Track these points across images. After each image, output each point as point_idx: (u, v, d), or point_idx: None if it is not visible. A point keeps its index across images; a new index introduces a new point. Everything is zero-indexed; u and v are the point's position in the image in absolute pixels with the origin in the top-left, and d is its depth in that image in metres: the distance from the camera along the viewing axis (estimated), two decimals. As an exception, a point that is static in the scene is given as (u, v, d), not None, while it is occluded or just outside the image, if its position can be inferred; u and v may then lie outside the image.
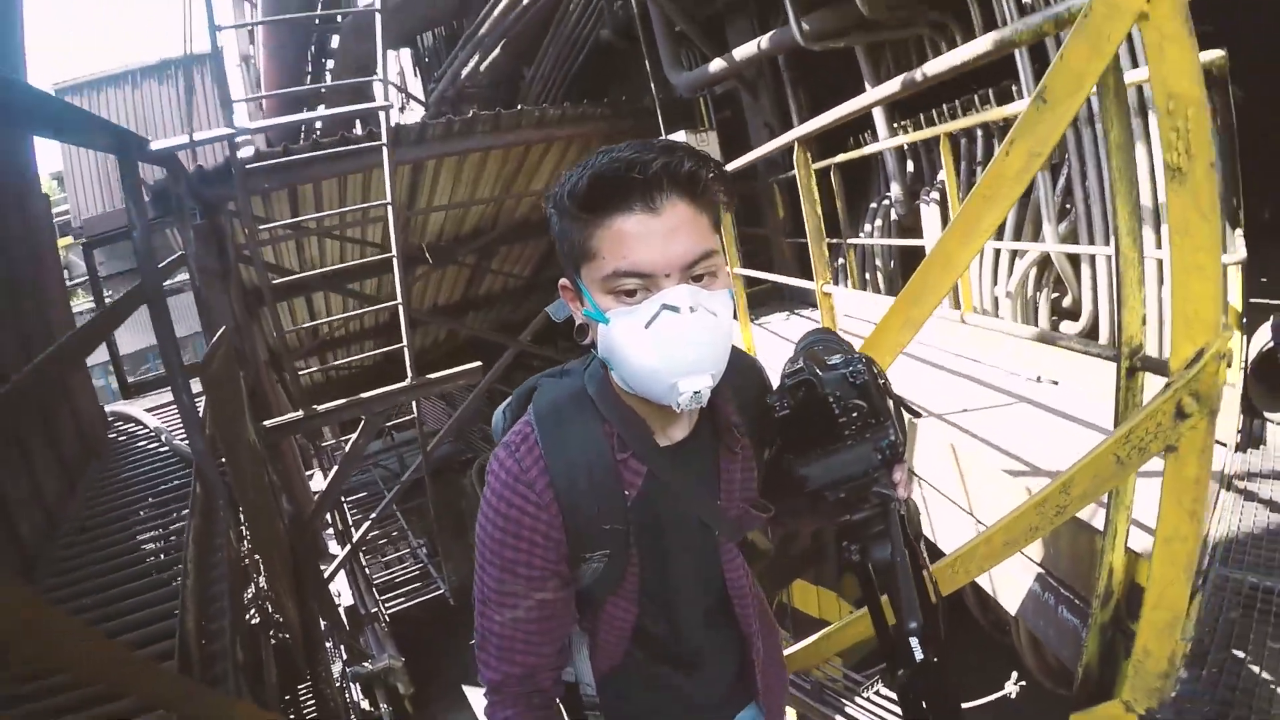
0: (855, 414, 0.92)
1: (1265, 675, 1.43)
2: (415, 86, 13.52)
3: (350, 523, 9.04)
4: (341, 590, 6.29)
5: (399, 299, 4.96)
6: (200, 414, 2.95)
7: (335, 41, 11.67)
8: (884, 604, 0.97)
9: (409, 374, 4.91)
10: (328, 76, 12.13)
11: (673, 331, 0.87)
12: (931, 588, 0.96)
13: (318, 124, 11.33)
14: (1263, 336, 2.33)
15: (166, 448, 3.30)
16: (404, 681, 5.36)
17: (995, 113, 3.43)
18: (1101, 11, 1.13)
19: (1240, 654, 1.50)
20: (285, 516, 4.16)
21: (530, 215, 7.49)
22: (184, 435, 2.96)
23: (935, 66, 2.09)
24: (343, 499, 9.18)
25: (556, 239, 0.96)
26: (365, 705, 5.21)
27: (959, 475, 2.31)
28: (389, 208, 4.78)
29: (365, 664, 5.20)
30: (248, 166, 4.48)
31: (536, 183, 6.92)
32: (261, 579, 3.26)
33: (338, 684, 4.70)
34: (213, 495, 2.86)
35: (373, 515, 7.30)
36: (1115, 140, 1.28)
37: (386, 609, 8.01)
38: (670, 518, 1.06)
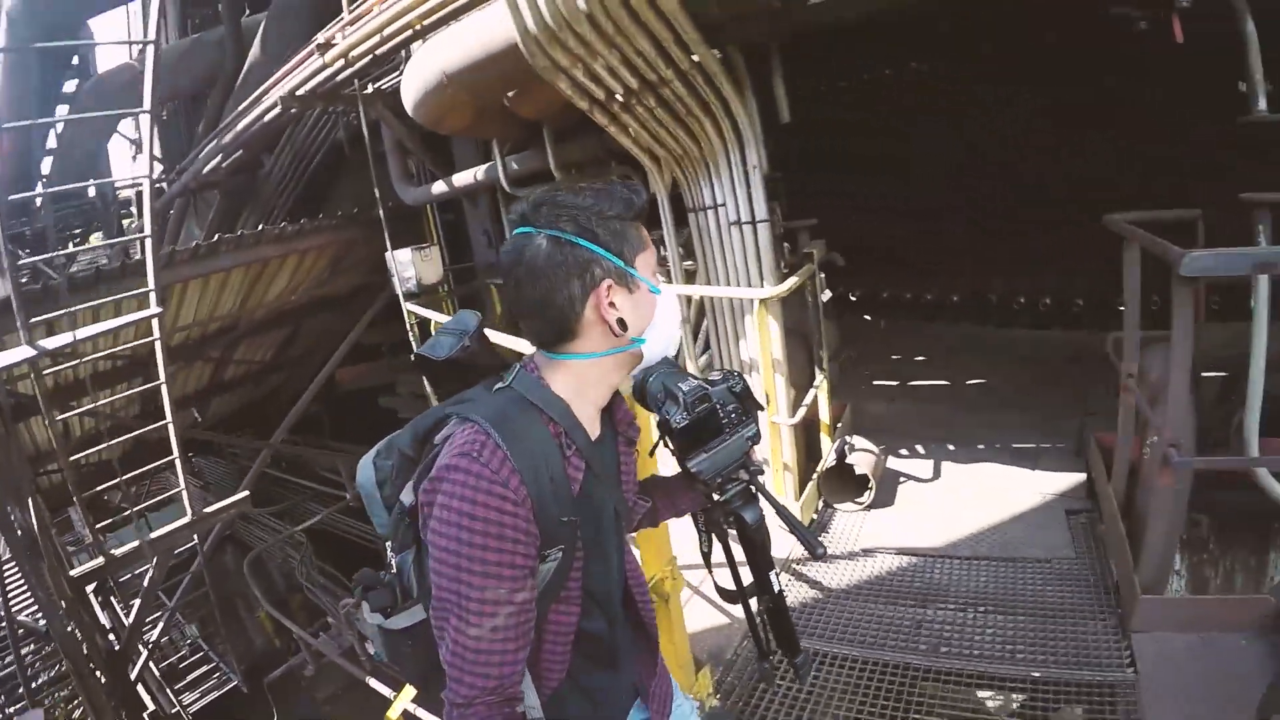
0: (733, 413, 1.24)
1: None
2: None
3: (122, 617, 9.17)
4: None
5: (168, 419, 5.52)
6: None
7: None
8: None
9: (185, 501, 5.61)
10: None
11: (670, 293, 1.23)
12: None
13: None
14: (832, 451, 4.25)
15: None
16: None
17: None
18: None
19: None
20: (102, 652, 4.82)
21: (269, 315, 8.23)
22: None
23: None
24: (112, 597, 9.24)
25: (605, 248, 1.12)
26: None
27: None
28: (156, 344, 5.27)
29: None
30: None
31: (275, 288, 7.76)
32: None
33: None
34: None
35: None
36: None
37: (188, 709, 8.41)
38: (601, 509, 1.21)
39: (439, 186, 6.77)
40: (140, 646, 6.58)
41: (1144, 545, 2.87)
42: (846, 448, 4.19)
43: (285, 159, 8.30)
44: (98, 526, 5.14)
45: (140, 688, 6.74)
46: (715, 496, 1.29)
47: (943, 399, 5.32)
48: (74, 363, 5.04)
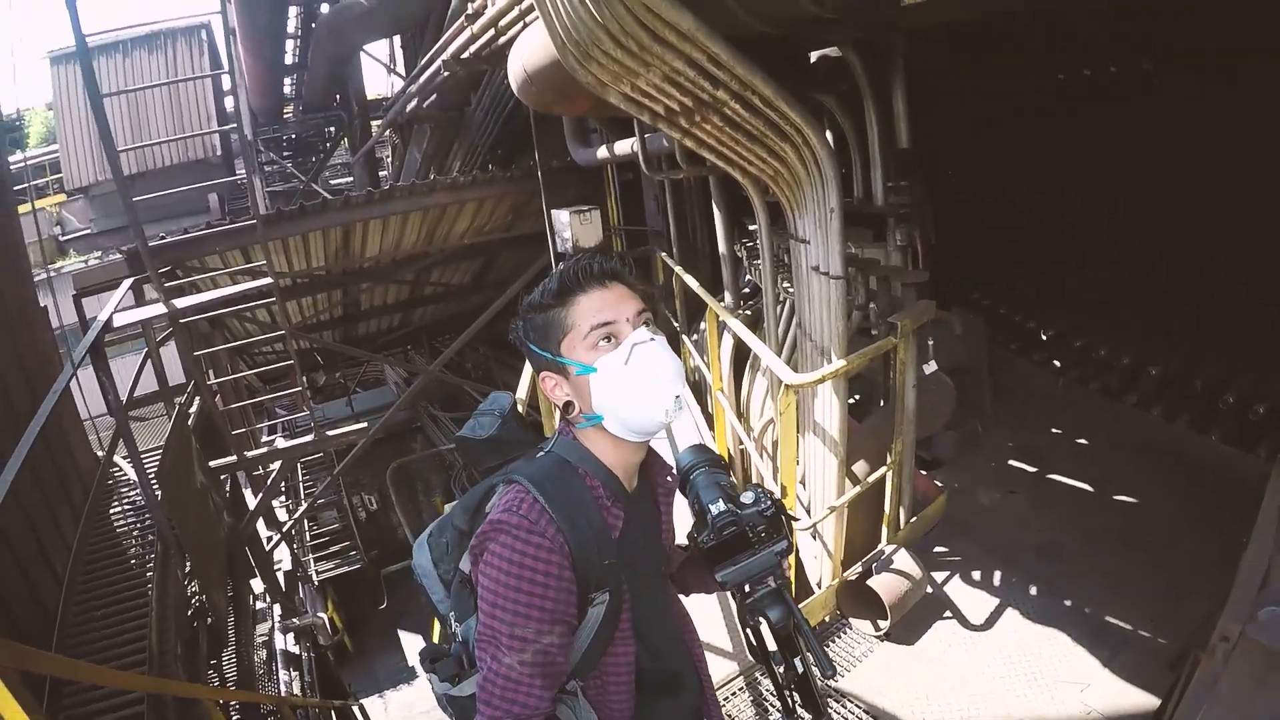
0: (762, 531, 1.28)
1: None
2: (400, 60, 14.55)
3: (300, 482, 10.81)
4: (283, 556, 7.93)
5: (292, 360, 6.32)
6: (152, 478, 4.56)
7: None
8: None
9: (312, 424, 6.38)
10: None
11: (647, 358, 1.19)
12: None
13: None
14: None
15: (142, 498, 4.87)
16: (324, 633, 7.02)
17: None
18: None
19: None
20: (224, 527, 5.73)
21: (459, 248, 8.76)
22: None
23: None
24: (299, 468, 10.86)
25: (534, 344, 1.26)
26: (295, 651, 6.83)
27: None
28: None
29: (294, 620, 6.85)
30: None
31: (458, 228, 8.18)
32: (196, 586, 4.88)
33: (266, 639, 6.38)
34: (168, 543, 4.44)
35: (315, 496, 8.93)
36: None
37: (321, 572, 9.78)
38: (642, 553, 1.31)
39: (602, 152, 6.59)
40: (267, 528, 7.64)
41: None
42: (877, 564, 3.51)
43: (485, 101, 8.53)
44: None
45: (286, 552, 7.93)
46: (742, 599, 1.32)
47: (1074, 509, 4.21)
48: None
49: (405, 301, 10.53)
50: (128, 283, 5.90)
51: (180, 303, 5.37)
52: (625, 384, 1.19)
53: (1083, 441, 4.81)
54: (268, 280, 5.72)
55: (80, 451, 5.27)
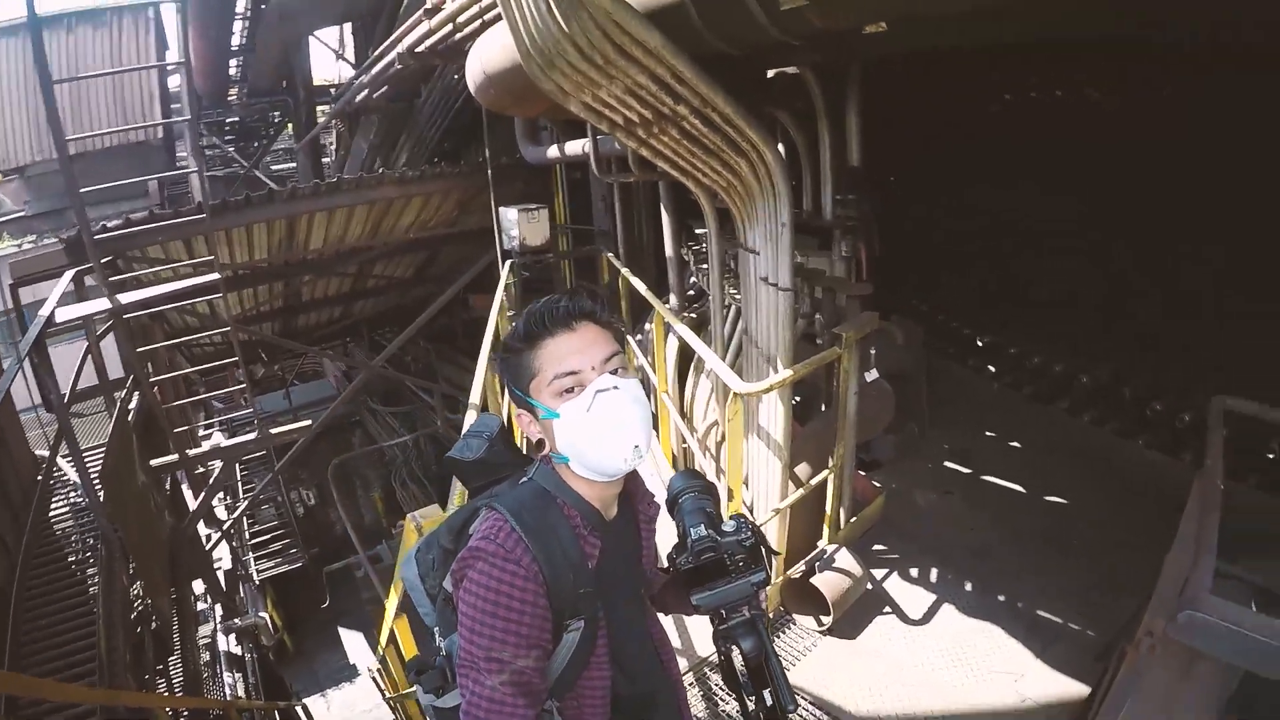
0: (740, 560, 1.30)
1: None
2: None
3: (239, 478, 10.56)
4: (223, 555, 7.76)
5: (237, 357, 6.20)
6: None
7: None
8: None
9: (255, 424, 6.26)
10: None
11: (608, 406, 1.21)
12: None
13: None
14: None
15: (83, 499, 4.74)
16: (266, 634, 6.92)
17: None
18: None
19: None
20: (166, 528, 5.60)
21: (404, 241, 8.66)
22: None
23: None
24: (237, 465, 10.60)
25: (508, 383, 1.30)
26: (238, 652, 6.72)
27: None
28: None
29: (236, 620, 6.73)
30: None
31: (403, 221, 8.10)
32: (140, 588, 4.78)
33: (209, 640, 6.26)
34: (111, 546, 4.34)
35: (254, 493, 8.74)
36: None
37: (261, 571, 9.61)
38: (620, 580, 1.34)
39: (552, 151, 6.61)
40: (206, 526, 7.48)
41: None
42: (819, 562, 3.67)
43: (435, 95, 8.46)
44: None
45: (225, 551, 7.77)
46: (718, 624, 1.34)
47: (1007, 510, 4.46)
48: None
49: (347, 294, 10.36)
50: (69, 274, 5.68)
51: (124, 297, 5.22)
52: (586, 431, 1.22)
53: (1015, 445, 5.09)
54: (214, 276, 5.59)
55: (18, 450, 5.08)
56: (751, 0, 2.24)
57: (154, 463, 5.60)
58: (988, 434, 5.23)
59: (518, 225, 6.82)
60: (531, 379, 1.25)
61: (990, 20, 2.01)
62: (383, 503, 12.02)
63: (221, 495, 9.72)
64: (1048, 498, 4.50)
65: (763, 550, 1.34)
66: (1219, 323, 4.44)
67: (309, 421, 6.90)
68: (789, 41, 2.43)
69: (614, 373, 1.24)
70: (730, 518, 1.36)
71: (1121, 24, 2.13)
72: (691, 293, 6.14)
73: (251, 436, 6.15)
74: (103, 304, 5.09)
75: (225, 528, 7.63)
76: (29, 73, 15.54)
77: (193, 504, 6.52)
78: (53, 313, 4.75)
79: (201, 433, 8.50)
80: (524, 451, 1.45)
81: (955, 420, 5.39)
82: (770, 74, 4.12)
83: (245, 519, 10.05)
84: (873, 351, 4.13)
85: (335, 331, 11.87)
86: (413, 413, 12.11)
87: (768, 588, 1.35)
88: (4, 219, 16.97)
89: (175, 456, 5.81)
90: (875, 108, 3.98)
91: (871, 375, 4.13)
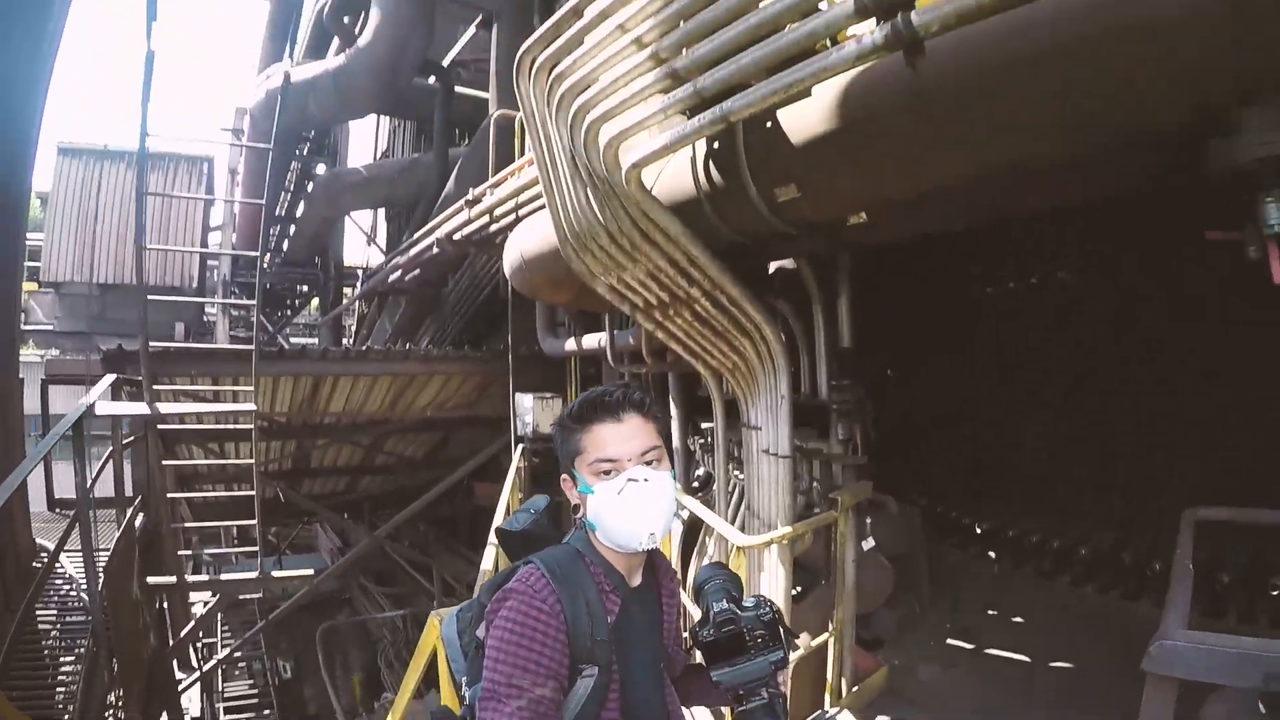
0: (760, 638, 1.35)
1: None
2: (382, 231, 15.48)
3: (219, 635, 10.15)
4: (192, 702, 7.39)
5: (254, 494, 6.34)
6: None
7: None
8: None
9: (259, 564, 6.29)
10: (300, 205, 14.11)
11: (635, 495, 1.37)
12: None
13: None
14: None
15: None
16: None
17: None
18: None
19: None
20: (150, 648, 5.50)
21: (419, 419, 8.95)
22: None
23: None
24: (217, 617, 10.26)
25: (559, 450, 1.47)
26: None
27: None
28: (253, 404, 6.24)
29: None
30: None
31: (422, 399, 8.48)
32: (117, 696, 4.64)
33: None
34: (99, 647, 4.31)
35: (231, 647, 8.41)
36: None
37: None
38: (638, 642, 1.43)
39: (570, 344, 7.03)
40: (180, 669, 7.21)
41: None
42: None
43: (464, 284, 9.19)
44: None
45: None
46: (736, 708, 1.38)
47: (1015, 678, 4.39)
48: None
49: (355, 467, 10.49)
50: (110, 378, 5.90)
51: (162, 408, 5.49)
52: (613, 511, 1.37)
53: (1019, 620, 5.11)
54: (251, 406, 5.85)
55: (22, 534, 5.13)
56: (754, 194, 2.71)
57: (150, 580, 5.58)
58: (990, 611, 5.27)
59: (532, 411, 7.21)
60: (577, 455, 1.42)
61: (938, 209, 2.45)
62: (361, 688, 11.39)
63: (199, 643, 9.34)
64: (1056, 664, 4.49)
65: (781, 630, 1.40)
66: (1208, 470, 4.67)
67: (310, 570, 6.85)
68: (786, 230, 2.89)
69: (649, 464, 1.40)
70: (750, 596, 1.44)
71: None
72: (696, 484, 6.40)
73: (252, 575, 6.13)
74: (141, 408, 5.33)
75: (202, 672, 7.30)
76: (82, 197, 17.19)
77: (173, 633, 6.34)
78: (93, 405, 4.96)
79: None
80: (566, 526, 1.60)
81: (956, 600, 5.43)
82: (772, 269, 4.67)
83: (219, 670, 9.57)
84: (868, 520, 4.31)
85: (337, 505, 11.89)
86: (406, 595, 11.84)
87: (787, 668, 1.41)
88: (32, 328, 17.59)
89: (173, 579, 5.77)
90: (866, 297, 4.44)
91: (869, 544, 4.28)
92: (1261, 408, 4.22)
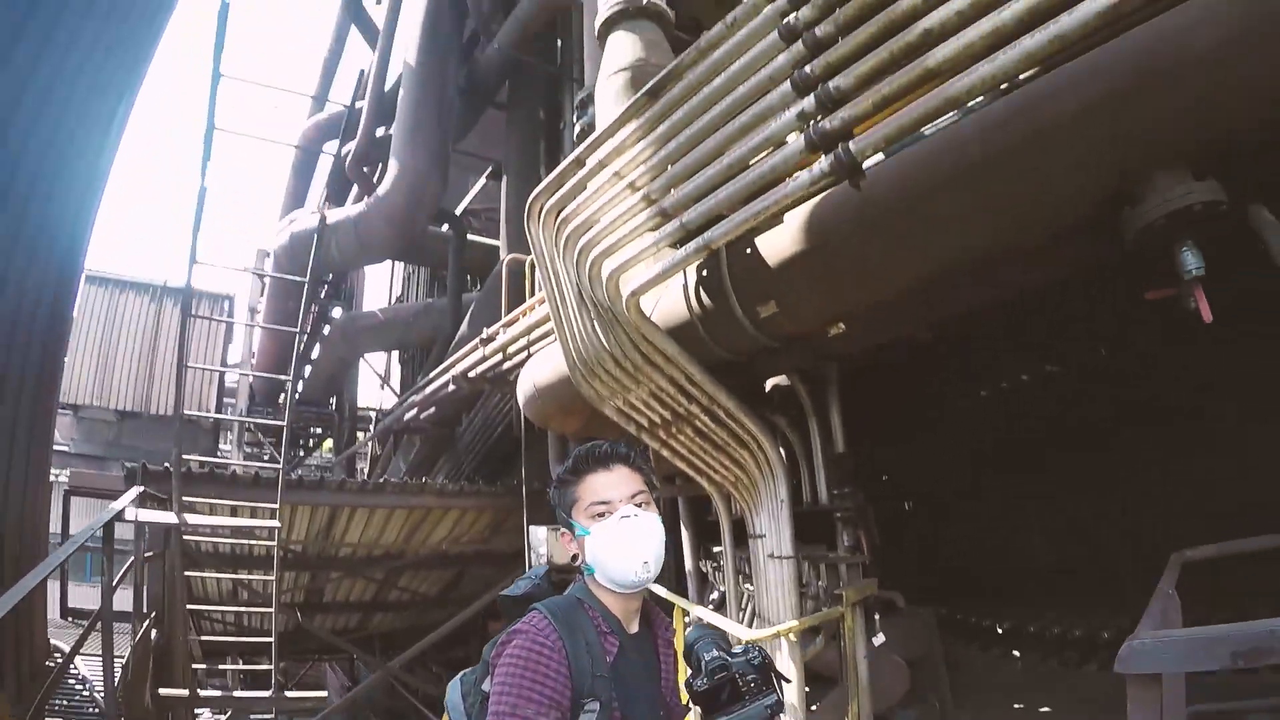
0: (753, 683, 1.43)
1: None
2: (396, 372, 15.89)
3: None
4: None
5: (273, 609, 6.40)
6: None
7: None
8: None
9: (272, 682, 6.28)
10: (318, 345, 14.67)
11: (629, 529, 1.53)
12: None
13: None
14: None
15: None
16: None
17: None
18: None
19: None
20: None
21: (434, 555, 9.05)
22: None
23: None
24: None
25: (556, 504, 1.64)
26: None
27: None
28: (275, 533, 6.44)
29: None
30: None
31: (436, 534, 8.62)
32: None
33: None
34: None
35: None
36: None
37: None
38: (637, 686, 1.52)
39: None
40: None
41: None
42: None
43: (477, 422, 9.50)
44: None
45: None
46: None
47: None
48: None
49: (368, 602, 10.43)
50: (135, 490, 6.06)
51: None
52: (609, 545, 1.53)
53: (1046, 710, 5.07)
54: (274, 523, 6.10)
55: (39, 633, 5.17)
56: (739, 313, 3.10)
57: (162, 691, 5.57)
58: (1015, 706, 5.23)
59: (546, 543, 7.36)
60: (574, 504, 1.60)
61: (903, 312, 2.82)
62: None
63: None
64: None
65: (773, 675, 1.50)
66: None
67: (324, 693, 6.77)
68: (770, 344, 3.25)
69: (638, 505, 1.58)
70: (739, 645, 1.60)
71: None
72: (710, 606, 6.47)
73: (267, 694, 6.09)
74: (169, 517, 5.50)
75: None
76: (105, 324, 17.71)
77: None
78: (123, 510, 5.12)
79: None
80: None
81: (981, 704, 5.40)
82: (769, 387, 5.00)
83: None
84: (877, 618, 4.40)
85: (348, 641, 11.72)
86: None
87: (781, 712, 1.49)
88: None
89: (185, 692, 5.76)
90: (862, 406, 4.74)
91: (879, 640, 4.36)
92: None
